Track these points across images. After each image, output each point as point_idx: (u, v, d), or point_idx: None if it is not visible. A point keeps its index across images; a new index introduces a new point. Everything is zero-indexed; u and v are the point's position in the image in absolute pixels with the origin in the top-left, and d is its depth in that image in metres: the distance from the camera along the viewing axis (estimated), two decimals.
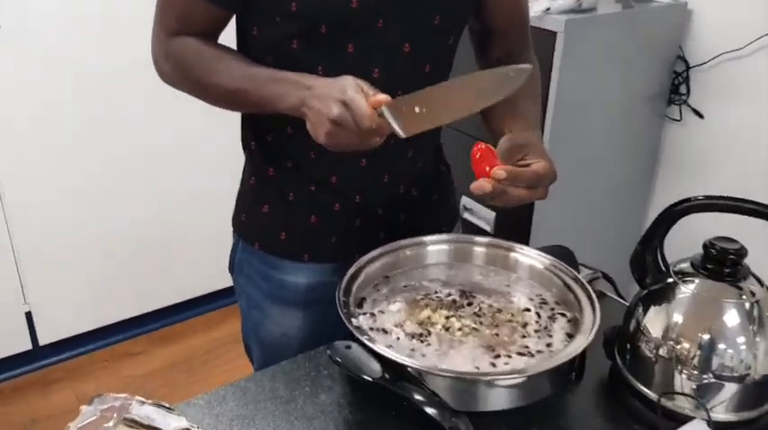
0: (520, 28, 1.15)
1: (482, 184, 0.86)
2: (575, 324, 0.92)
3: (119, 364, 2.34)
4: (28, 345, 2.27)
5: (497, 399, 0.83)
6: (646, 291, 0.87)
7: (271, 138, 1.10)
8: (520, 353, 0.87)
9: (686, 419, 0.81)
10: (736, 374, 0.79)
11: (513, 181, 0.87)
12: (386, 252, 1.03)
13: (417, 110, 0.86)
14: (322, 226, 1.12)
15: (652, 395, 0.83)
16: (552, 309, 0.96)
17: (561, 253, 1.03)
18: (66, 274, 2.27)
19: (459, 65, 1.08)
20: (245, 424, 0.84)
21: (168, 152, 2.31)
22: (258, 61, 1.02)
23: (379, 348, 0.82)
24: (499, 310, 0.95)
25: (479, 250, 1.06)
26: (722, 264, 0.82)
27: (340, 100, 0.85)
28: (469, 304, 0.97)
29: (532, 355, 0.87)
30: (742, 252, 0.81)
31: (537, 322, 0.93)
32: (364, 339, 0.83)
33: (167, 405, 0.78)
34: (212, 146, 2.19)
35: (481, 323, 0.93)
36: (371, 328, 0.91)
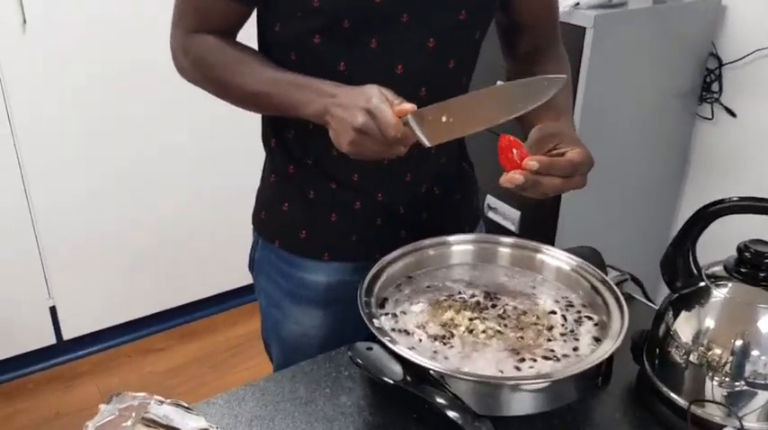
0: (549, 22, 1.13)
1: (514, 176, 0.84)
2: (602, 327, 0.89)
3: (142, 360, 2.35)
4: (52, 340, 2.29)
5: (521, 404, 0.81)
6: (676, 295, 0.84)
7: (291, 136, 1.08)
8: (545, 357, 0.85)
9: (717, 428, 0.78)
10: None
11: (548, 171, 0.84)
12: (409, 251, 1.01)
13: (444, 119, 0.84)
14: (343, 224, 1.10)
15: (681, 402, 0.80)
16: (579, 312, 0.93)
17: (588, 254, 1.01)
18: (90, 270, 2.29)
19: (483, 59, 1.06)
20: (264, 424, 0.83)
21: (191, 150, 2.32)
22: (280, 56, 1.01)
23: (401, 350, 0.81)
24: (524, 313, 0.93)
25: (504, 250, 1.04)
26: (758, 267, 0.79)
27: (365, 108, 0.84)
28: (494, 306, 0.94)
29: (558, 359, 0.85)
30: None
31: (563, 325, 0.91)
32: (386, 340, 0.82)
33: (186, 404, 0.77)
34: (234, 142, 2.19)
35: (506, 325, 0.91)
36: (393, 329, 0.89)
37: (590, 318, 0.92)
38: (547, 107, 0.90)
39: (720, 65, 1.82)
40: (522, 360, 0.84)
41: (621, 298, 0.90)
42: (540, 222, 1.87)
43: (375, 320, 0.86)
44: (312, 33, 0.97)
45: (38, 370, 2.29)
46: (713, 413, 0.79)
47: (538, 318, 0.92)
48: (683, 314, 0.82)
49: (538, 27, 1.11)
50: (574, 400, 0.84)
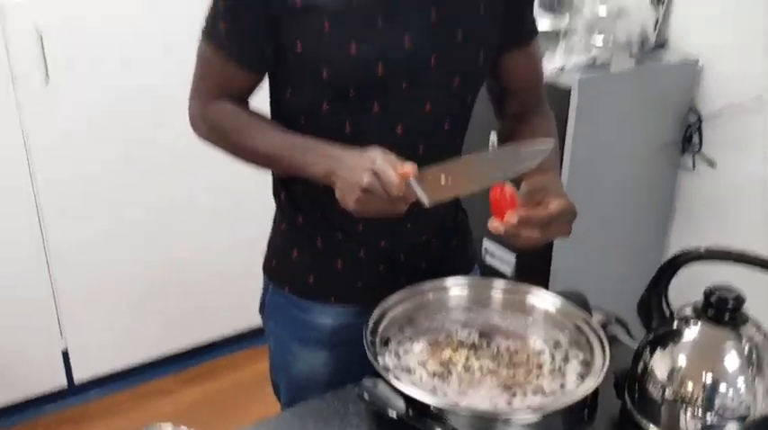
0: (534, 86, 1.23)
1: (497, 226, 0.94)
2: (587, 365, 0.98)
3: (152, 402, 2.40)
4: (63, 383, 2.35)
5: None
6: (652, 335, 0.93)
7: (300, 191, 1.18)
8: (535, 393, 0.93)
9: None
10: (737, 415, 0.85)
11: (525, 224, 0.94)
12: (410, 295, 1.09)
13: (443, 180, 0.94)
14: (348, 271, 1.19)
15: None
16: (566, 351, 1.02)
17: (575, 297, 1.09)
18: (102, 313, 2.36)
19: (475, 120, 1.16)
20: None
21: (204, 198, 2.42)
22: (290, 120, 1.11)
23: (404, 386, 0.89)
24: (516, 352, 1.02)
25: (497, 294, 1.13)
26: (722, 310, 0.88)
27: (370, 169, 0.93)
28: (488, 345, 1.03)
29: (547, 395, 0.93)
30: (740, 299, 0.87)
31: (551, 363, 0.99)
32: (390, 377, 0.90)
33: None
34: (246, 193, 2.29)
35: (499, 364, 0.99)
36: (396, 367, 0.97)
37: (576, 357, 1.00)
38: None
39: (699, 120, 1.94)
40: (514, 395, 0.93)
41: (603, 337, 0.99)
42: (534, 266, 1.96)
43: (380, 358, 0.95)
44: (321, 100, 1.07)
45: (49, 412, 2.34)
46: None
47: (528, 356, 1.01)
48: (659, 353, 0.91)
49: (524, 90, 1.22)
50: None
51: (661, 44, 1.93)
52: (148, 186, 2.31)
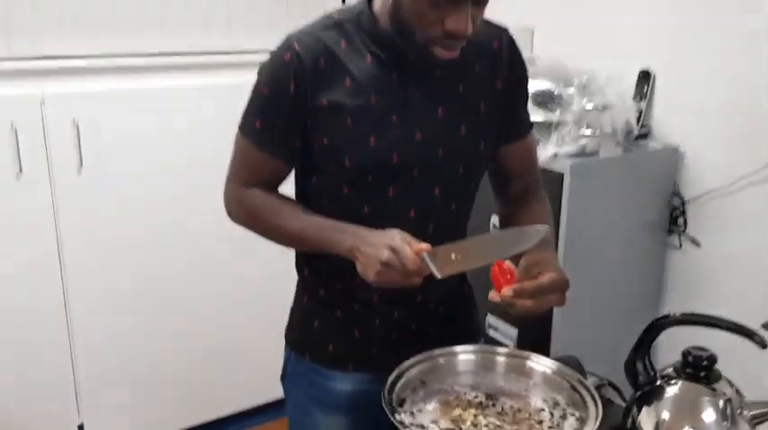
0: (531, 171, 1.37)
1: (494, 297, 1.08)
2: (582, 422, 1.09)
3: None
4: None
5: None
6: (639, 393, 1.05)
7: (322, 265, 1.31)
8: None
9: None
10: None
11: (519, 295, 1.07)
12: (422, 360, 1.20)
13: (453, 257, 1.08)
14: (365, 339, 1.31)
15: None
16: (563, 409, 1.13)
17: (571, 361, 1.21)
18: (120, 390, 2.44)
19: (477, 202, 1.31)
20: None
21: (222, 272, 2.54)
22: (315, 203, 1.26)
23: None
24: (519, 410, 1.13)
25: (501, 359, 1.24)
26: (698, 368, 1.00)
27: (389, 246, 1.08)
28: (494, 405, 1.14)
29: None
30: (712, 358, 1.00)
31: (550, 420, 1.10)
32: None
33: None
34: (267, 266, 2.41)
35: (504, 421, 1.10)
36: (411, 424, 1.08)
37: (573, 414, 1.12)
38: None
39: (683, 202, 2.10)
40: None
41: (596, 395, 1.10)
42: (535, 338, 2.06)
43: (396, 415, 1.06)
44: (342, 185, 1.23)
45: None
46: None
47: (530, 414, 1.12)
48: (645, 409, 1.02)
49: (522, 176, 1.36)
50: None
51: (644, 134, 2.11)
52: (170, 266, 2.44)
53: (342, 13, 1.21)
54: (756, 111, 1.90)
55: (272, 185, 1.29)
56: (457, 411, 1.12)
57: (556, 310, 1.98)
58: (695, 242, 2.10)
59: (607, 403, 1.15)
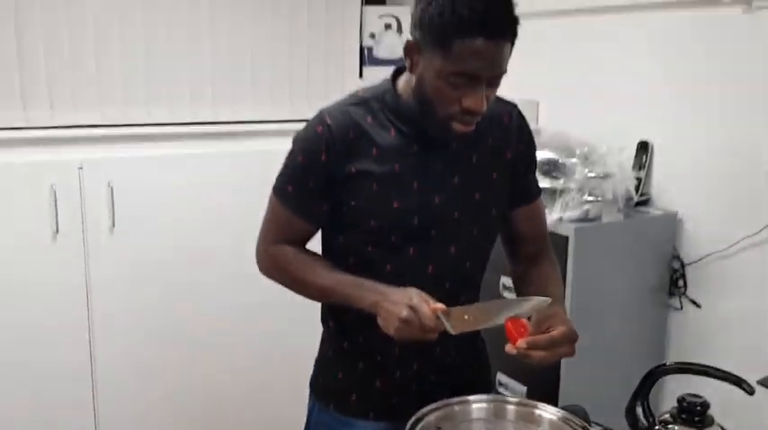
0: (540, 234, 1.49)
1: (510, 349, 1.18)
2: None
3: None
4: None
5: None
6: None
7: (346, 318, 1.42)
8: None
9: None
10: None
11: (533, 347, 1.18)
12: (439, 407, 1.29)
13: (465, 317, 1.21)
14: (385, 390, 1.41)
15: None
16: None
17: (577, 410, 1.31)
18: None
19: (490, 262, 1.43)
20: None
21: (248, 326, 2.63)
22: (340, 260, 1.38)
23: None
24: None
25: (512, 408, 1.33)
26: (692, 413, 1.09)
27: (409, 305, 1.19)
28: None
29: None
30: (705, 405, 1.09)
31: None
32: None
33: None
34: (290, 318, 2.50)
35: None
36: None
37: None
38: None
39: (683, 265, 2.21)
40: None
41: None
42: (543, 395, 2.14)
43: None
44: (367, 244, 1.35)
45: None
46: None
47: None
48: None
49: (532, 238, 1.48)
50: None
51: (644, 200, 2.24)
52: (197, 322, 2.55)
53: (368, 91, 1.36)
54: (751, 177, 2.02)
55: (300, 243, 1.41)
56: None
57: (563, 367, 2.06)
58: (695, 303, 2.20)
59: None
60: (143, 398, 2.50)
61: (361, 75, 2.89)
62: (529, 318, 1.24)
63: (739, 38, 2.01)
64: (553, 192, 2.06)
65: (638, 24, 2.27)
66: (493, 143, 1.37)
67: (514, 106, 1.42)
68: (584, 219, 2.05)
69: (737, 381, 1.07)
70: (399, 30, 2.98)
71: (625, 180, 2.10)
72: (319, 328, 1.50)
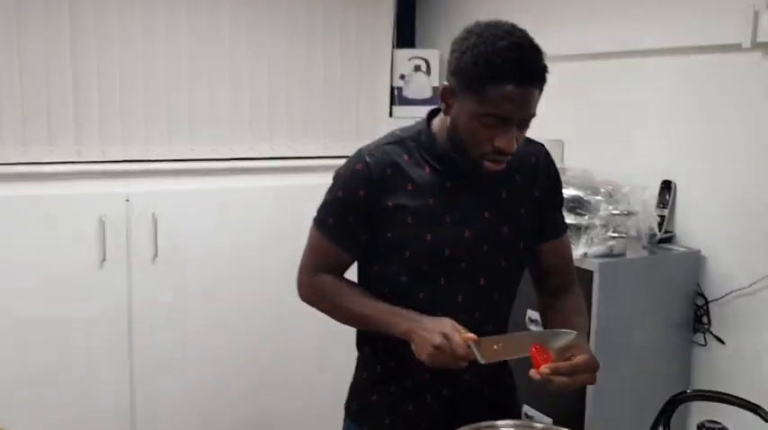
0: (567, 268, 1.57)
1: (534, 374, 1.26)
2: None
3: None
4: None
5: None
6: None
7: (380, 344, 1.50)
8: None
9: None
10: None
11: (556, 373, 1.25)
12: None
13: (495, 347, 1.29)
14: (417, 413, 1.48)
15: None
16: None
17: None
18: None
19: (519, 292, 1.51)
20: None
21: (283, 350, 2.73)
22: (376, 288, 1.46)
23: None
24: None
25: None
26: None
27: (442, 333, 1.28)
28: None
29: None
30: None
31: None
32: None
33: None
34: (324, 347, 2.60)
35: None
36: None
37: None
38: (570, 327, 1.34)
39: (706, 302, 2.25)
40: None
41: None
42: (567, 424, 2.18)
43: None
44: (400, 273, 1.43)
45: None
46: None
47: None
48: None
49: (558, 272, 1.56)
50: None
51: (668, 238, 2.30)
52: (234, 348, 2.64)
53: (404, 131, 1.46)
54: None
55: (338, 272, 1.51)
56: None
57: (588, 399, 2.11)
58: (719, 340, 2.24)
59: None
60: (184, 425, 2.58)
61: (390, 114, 3.00)
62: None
63: (759, 81, 2.09)
64: (578, 228, 2.13)
65: (661, 67, 2.36)
66: (521, 181, 1.46)
67: (541, 146, 1.51)
68: (608, 254, 2.12)
69: (754, 408, 1.13)
70: (428, 71, 3.10)
71: (648, 217, 2.17)
72: (353, 354, 1.58)
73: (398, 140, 1.44)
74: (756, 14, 2.03)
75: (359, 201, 1.41)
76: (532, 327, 2.11)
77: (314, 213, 1.49)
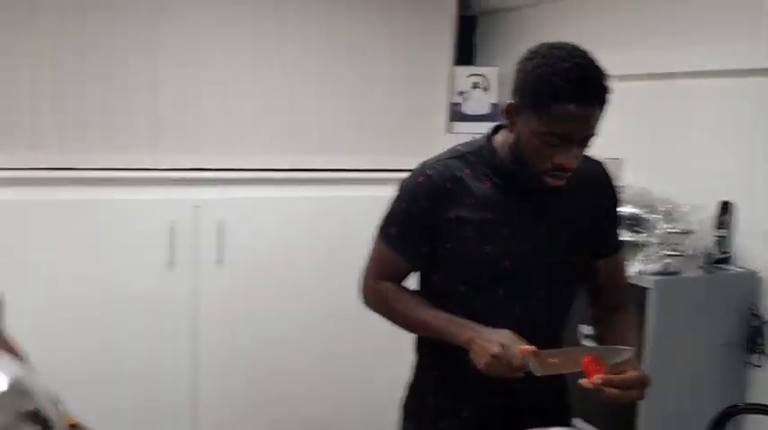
0: (620, 286, 1.62)
1: (585, 382, 1.30)
2: None
3: None
4: None
5: None
6: None
7: (439, 351, 1.55)
8: None
9: None
10: None
11: (607, 384, 1.29)
12: None
13: (551, 360, 1.33)
14: (472, 418, 1.53)
15: None
16: None
17: None
18: None
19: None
20: None
21: (340, 352, 2.81)
22: (434, 296, 1.52)
23: None
24: None
25: None
26: None
27: (500, 343, 1.33)
28: None
29: None
30: None
31: None
32: None
33: None
34: (382, 349, 2.62)
35: None
36: None
37: None
38: (622, 344, 1.38)
39: (762, 323, 2.25)
40: None
41: None
42: None
43: None
44: (459, 283, 1.49)
45: None
46: None
47: None
48: None
49: (612, 288, 1.60)
50: None
51: (724, 258, 2.30)
52: (293, 357, 2.74)
53: (466, 146, 1.52)
54: None
55: (399, 280, 1.58)
56: None
57: (640, 418, 2.12)
58: None
59: None
60: (248, 428, 2.68)
61: (449, 130, 3.07)
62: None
63: None
64: (635, 245, 2.15)
65: (721, 87, 2.37)
66: (580, 197, 1.50)
67: (601, 164, 1.56)
68: (664, 272, 2.14)
69: None
70: (487, 88, 3.16)
71: (705, 237, 2.18)
72: (409, 357, 1.64)
73: (460, 155, 1.50)
74: None
75: (421, 213, 1.47)
76: (585, 342, 2.14)
77: (371, 223, 1.57)
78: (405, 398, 1.65)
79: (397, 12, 2.85)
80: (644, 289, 2.10)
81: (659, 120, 2.59)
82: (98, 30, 2.41)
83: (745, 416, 2.26)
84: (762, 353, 2.25)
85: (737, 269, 2.29)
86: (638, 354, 1.51)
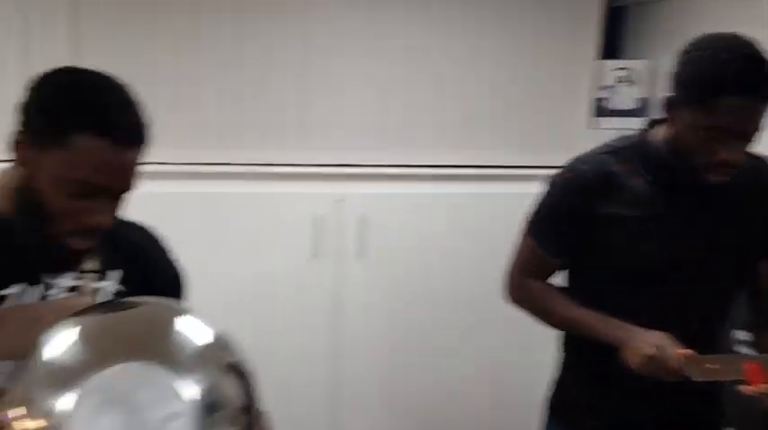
0: None
1: (747, 389, 1.24)
2: None
3: None
4: None
5: None
6: None
7: (587, 349, 1.53)
8: None
9: None
10: None
11: None
12: None
13: (708, 366, 1.28)
14: (618, 417, 1.50)
15: None
16: None
17: None
18: None
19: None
20: None
21: (486, 365, 2.84)
22: (582, 293, 1.50)
23: None
24: None
25: None
26: None
27: (656, 345, 1.30)
28: None
29: None
30: None
31: None
32: None
33: None
34: (520, 346, 2.69)
35: None
36: None
37: None
38: None
39: None
40: None
41: None
42: None
43: None
44: (610, 281, 1.46)
45: None
46: None
47: None
48: None
49: None
50: None
51: None
52: (431, 352, 2.78)
53: (619, 141, 1.49)
54: None
55: (545, 277, 1.57)
56: None
57: None
58: None
59: None
60: (390, 423, 2.75)
61: (592, 125, 2.98)
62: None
63: None
64: None
65: None
66: (742, 195, 1.43)
67: (764, 160, 1.47)
68: None
69: None
70: (633, 82, 3.04)
71: None
72: (553, 353, 1.63)
73: (613, 150, 1.47)
74: None
75: (571, 209, 1.46)
76: (739, 349, 2.02)
77: (515, 220, 1.57)
78: (551, 393, 1.64)
79: (543, 6, 2.81)
80: None
81: None
82: (255, 29, 2.55)
83: None
84: None
85: None
86: None
